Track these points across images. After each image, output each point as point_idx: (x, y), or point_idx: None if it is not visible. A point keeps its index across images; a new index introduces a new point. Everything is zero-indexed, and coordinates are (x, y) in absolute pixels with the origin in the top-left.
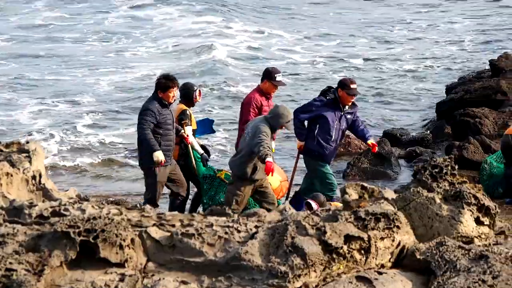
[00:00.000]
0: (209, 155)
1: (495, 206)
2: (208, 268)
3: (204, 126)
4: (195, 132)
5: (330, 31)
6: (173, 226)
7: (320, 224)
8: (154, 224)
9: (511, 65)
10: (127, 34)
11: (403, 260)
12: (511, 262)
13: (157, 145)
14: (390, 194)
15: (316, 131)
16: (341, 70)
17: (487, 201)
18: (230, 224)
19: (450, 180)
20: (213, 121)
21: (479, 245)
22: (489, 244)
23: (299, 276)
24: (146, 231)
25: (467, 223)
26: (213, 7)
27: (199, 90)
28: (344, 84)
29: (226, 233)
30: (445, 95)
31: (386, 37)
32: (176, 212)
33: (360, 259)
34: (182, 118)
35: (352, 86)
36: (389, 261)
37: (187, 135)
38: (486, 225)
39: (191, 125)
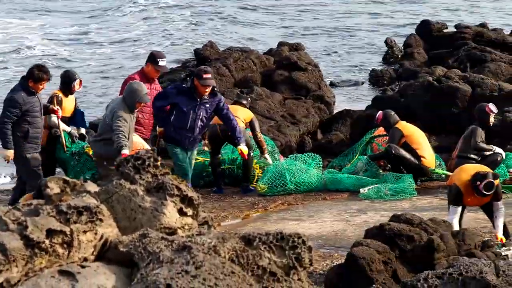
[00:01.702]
0: (84, 140)
1: (199, 196)
2: None
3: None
4: (70, 120)
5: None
6: None
7: (22, 218)
8: None
9: (216, 53)
10: None
11: (107, 253)
12: (214, 252)
13: (11, 143)
14: (92, 187)
15: (172, 118)
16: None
17: (190, 192)
18: None
19: (153, 172)
20: (83, 112)
21: (182, 236)
22: (193, 235)
23: (0, 272)
24: None
25: (170, 214)
26: None
27: (80, 80)
28: (198, 74)
29: None
30: None
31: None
32: None
33: (63, 253)
34: (51, 99)
35: (205, 76)
36: (92, 254)
37: (57, 109)
38: (190, 215)
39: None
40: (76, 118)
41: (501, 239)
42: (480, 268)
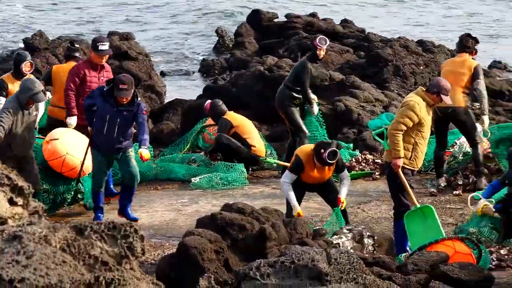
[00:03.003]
0: None
1: (29, 186)
2: None
3: None
4: None
5: None
6: None
7: None
8: None
9: (45, 43)
10: None
11: None
12: (45, 242)
13: None
14: None
15: (94, 119)
16: None
17: (20, 182)
18: None
19: None
20: None
21: (12, 226)
22: (23, 224)
23: None
24: None
25: (0, 204)
26: None
27: (30, 62)
28: (116, 83)
29: None
30: None
31: None
32: None
33: None
34: None
35: (121, 86)
36: None
37: None
38: (20, 205)
39: (6, 96)
40: None
41: (343, 202)
42: (312, 256)
